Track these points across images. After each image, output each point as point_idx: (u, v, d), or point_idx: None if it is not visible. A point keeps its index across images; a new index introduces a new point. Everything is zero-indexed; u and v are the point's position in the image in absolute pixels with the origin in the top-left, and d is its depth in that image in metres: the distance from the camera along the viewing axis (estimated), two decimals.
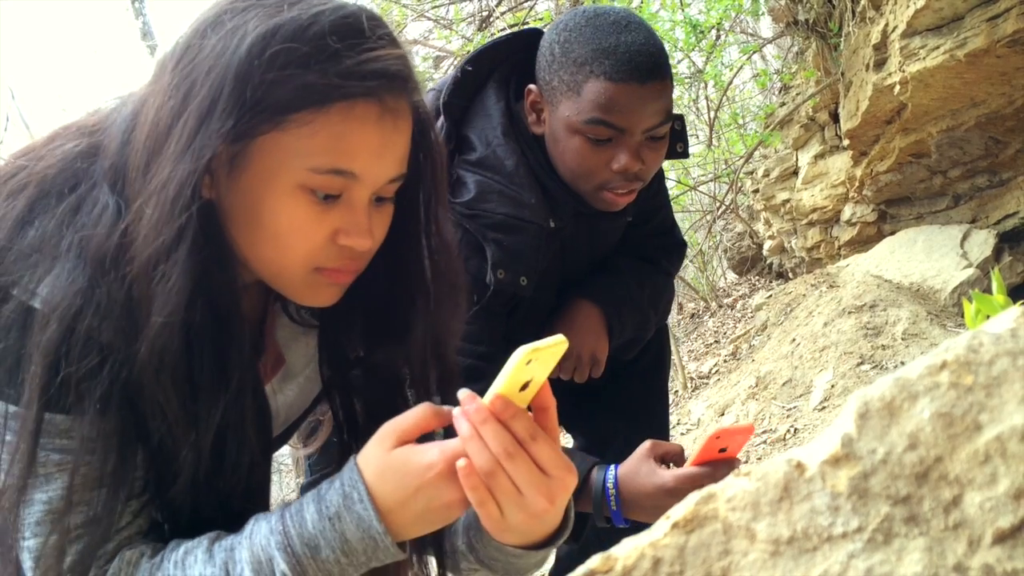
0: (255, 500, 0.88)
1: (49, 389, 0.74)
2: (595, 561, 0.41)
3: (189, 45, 0.78)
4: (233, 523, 0.81)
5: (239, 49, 0.75)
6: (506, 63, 1.43)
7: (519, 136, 1.37)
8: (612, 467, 1.26)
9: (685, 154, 1.47)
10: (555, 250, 1.44)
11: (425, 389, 0.97)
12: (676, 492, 1.17)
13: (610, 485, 1.25)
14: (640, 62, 1.24)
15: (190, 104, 0.75)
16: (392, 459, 0.75)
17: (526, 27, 1.42)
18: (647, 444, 1.25)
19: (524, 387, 0.74)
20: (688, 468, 1.20)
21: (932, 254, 3.36)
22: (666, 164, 1.64)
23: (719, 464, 1.19)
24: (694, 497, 0.42)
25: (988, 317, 0.72)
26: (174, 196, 0.74)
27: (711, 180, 6.24)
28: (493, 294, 1.35)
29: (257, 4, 0.78)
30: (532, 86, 1.36)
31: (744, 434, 1.19)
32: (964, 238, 3.35)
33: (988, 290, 0.77)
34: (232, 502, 0.84)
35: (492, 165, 1.35)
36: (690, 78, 4.98)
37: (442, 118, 1.38)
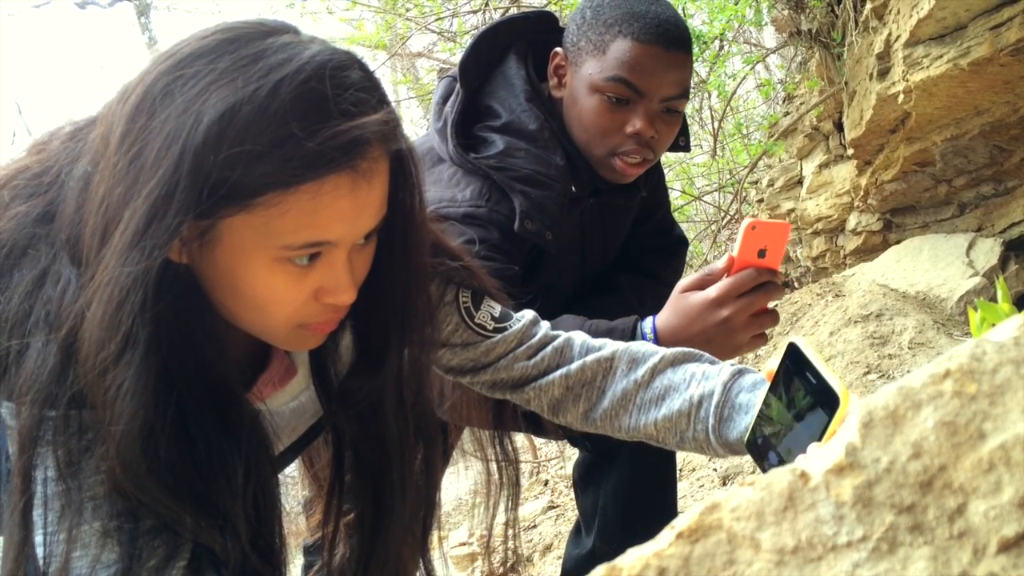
0: (268, 522, 0.85)
1: (31, 474, 0.70)
2: (599, 571, 0.41)
3: (135, 119, 0.71)
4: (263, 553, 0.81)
5: (193, 137, 0.68)
6: (523, 39, 1.46)
7: (541, 104, 1.40)
8: (650, 318, 1.25)
9: (687, 147, 1.53)
10: (575, 221, 1.45)
11: (404, 420, 0.94)
12: (722, 300, 1.15)
13: (648, 333, 1.23)
14: (668, 29, 1.30)
15: (139, 194, 0.69)
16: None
17: (543, 9, 1.47)
18: (679, 285, 1.22)
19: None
20: (729, 278, 1.15)
21: (938, 263, 3.35)
22: (670, 175, 1.65)
23: (761, 271, 1.13)
24: (698, 508, 0.42)
25: (994, 326, 0.72)
26: (119, 301, 0.69)
27: (715, 190, 6.24)
28: (515, 239, 1.33)
29: (209, 68, 0.70)
30: (558, 49, 1.40)
31: (782, 231, 1.11)
32: (970, 247, 3.34)
33: (995, 299, 0.76)
34: (261, 540, 0.82)
35: (517, 130, 1.37)
36: (693, 88, 5.00)
37: (458, 87, 1.40)
